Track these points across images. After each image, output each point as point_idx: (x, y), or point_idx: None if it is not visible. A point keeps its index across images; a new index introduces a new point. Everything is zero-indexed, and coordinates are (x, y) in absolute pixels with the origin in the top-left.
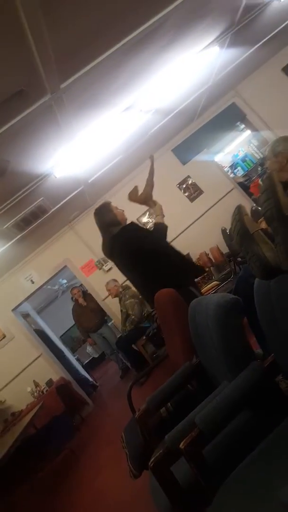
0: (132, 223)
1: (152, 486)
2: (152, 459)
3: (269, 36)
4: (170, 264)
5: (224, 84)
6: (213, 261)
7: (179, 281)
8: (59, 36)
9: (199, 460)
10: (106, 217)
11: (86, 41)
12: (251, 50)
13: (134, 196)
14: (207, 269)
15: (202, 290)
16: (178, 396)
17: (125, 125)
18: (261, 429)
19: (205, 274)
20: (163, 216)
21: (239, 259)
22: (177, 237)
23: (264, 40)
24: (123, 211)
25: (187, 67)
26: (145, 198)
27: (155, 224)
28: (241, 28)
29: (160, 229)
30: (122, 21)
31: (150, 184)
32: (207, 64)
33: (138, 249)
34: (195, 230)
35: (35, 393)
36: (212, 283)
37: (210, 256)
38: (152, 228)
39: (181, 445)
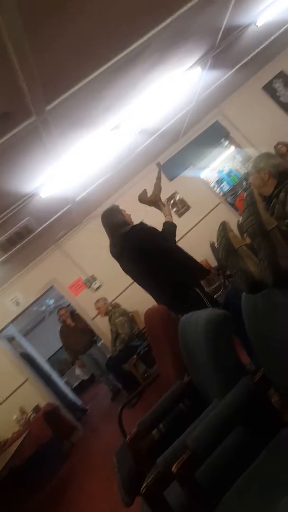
0: (141, 222)
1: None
2: (144, 485)
3: (248, 57)
4: (178, 263)
5: (207, 103)
6: None
7: (187, 281)
8: (44, 59)
9: (192, 483)
10: (115, 218)
11: (71, 64)
12: (232, 71)
13: (143, 198)
14: (212, 271)
15: None
16: (170, 416)
17: (112, 144)
18: (254, 446)
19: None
20: (172, 216)
21: (228, 272)
22: None
23: (244, 61)
24: (130, 215)
25: (172, 88)
26: (154, 200)
27: (165, 223)
28: (222, 50)
29: (170, 228)
30: (107, 44)
31: (158, 187)
32: (191, 84)
33: (150, 246)
34: (184, 245)
35: (22, 421)
36: None
37: None
38: (162, 227)
39: (173, 469)
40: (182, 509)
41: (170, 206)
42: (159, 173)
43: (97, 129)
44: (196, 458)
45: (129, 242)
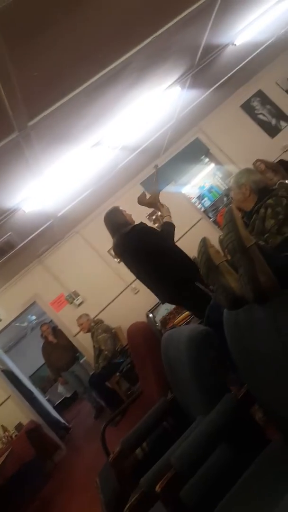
0: (141, 222)
1: None
2: (127, 505)
3: (227, 76)
4: (178, 261)
5: (187, 121)
6: None
7: (187, 276)
8: (26, 75)
9: (176, 503)
10: (117, 218)
11: (53, 80)
12: (211, 89)
13: (143, 200)
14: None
15: (174, 322)
16: (154, 434)
17: (93, 160)
18: (239, 463)
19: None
20: (170, 217)
21: (211, 287)
22: None
23: (222, 80)
24: (131, 215)
25: (152, 106)
26: (153, 201)
27: (165, 223)
28: (200, 69)
29: (169, 227)
30: (88, 62)
31: (156, 189)
32: (171, 102)
33: (150, 246)
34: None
35: (3, 439)
36: (184, 313)
37: None
38: (161, 227)
39: (157, 488)
40: None
41: (152, 222)
42: (156, 176)
43: (78, 145)
44: (180, 477)
45: (129, 242)
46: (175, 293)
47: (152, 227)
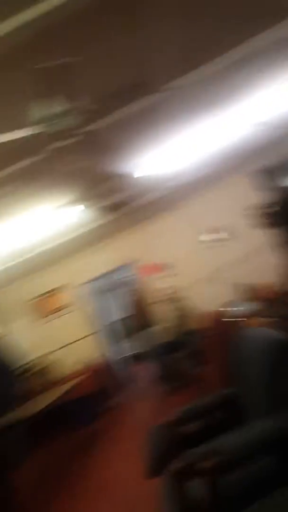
0: None
1: (163, 492)
2: (174, 466)
3: None
4: None
5: None
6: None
7: None
8: (189, 29)
9: (215, 485)
10: None
11: (206, 43)
12: None
13: None
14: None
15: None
16: (207, 418)
17: (224, 137)
18: (283, 477)
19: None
20: None
21: None
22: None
23: None
24: None
25: None
26: None
27: None
28: None
29: None
30: (239, 30)
31: None
32: None
33: None
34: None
35: (82, 365)
36: (262, 320)
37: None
38: None
39: (206, 465)
40: (196, 506)
41: None
42: None
43: (215, 116)
44: (228, 465)
45: None
46: None
47: None
